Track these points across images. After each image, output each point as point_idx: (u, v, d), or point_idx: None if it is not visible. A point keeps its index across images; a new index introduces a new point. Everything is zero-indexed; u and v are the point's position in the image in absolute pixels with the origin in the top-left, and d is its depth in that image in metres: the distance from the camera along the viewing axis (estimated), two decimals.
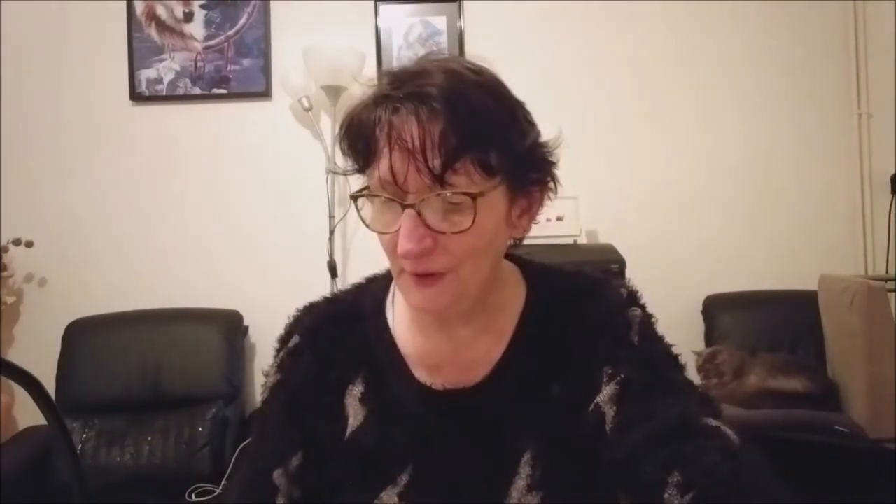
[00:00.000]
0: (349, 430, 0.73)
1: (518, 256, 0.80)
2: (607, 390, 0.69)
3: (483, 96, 0.65)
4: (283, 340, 0.79)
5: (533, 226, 0.75)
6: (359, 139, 0.66)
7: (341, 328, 0.78)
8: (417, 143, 0.61)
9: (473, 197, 0.63)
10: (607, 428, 0.67)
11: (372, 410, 0.73)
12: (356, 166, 0.68)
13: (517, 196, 0.69)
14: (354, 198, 0.68)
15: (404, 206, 0.63)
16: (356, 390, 0.74)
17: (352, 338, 0.77)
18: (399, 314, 0.77)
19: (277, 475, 0.73)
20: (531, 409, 0.72)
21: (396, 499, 0.70)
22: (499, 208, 0.67)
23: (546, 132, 0.73)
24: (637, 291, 0.78)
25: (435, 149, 0.61)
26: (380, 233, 0.67)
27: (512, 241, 0.74)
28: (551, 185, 0.73)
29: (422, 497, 0.70)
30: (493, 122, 0.65)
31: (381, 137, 0.63)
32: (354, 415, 0.74)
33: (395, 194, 0.64)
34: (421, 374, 0.74)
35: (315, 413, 0.74)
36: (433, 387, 0.73)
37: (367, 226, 0.67)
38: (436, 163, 0.61)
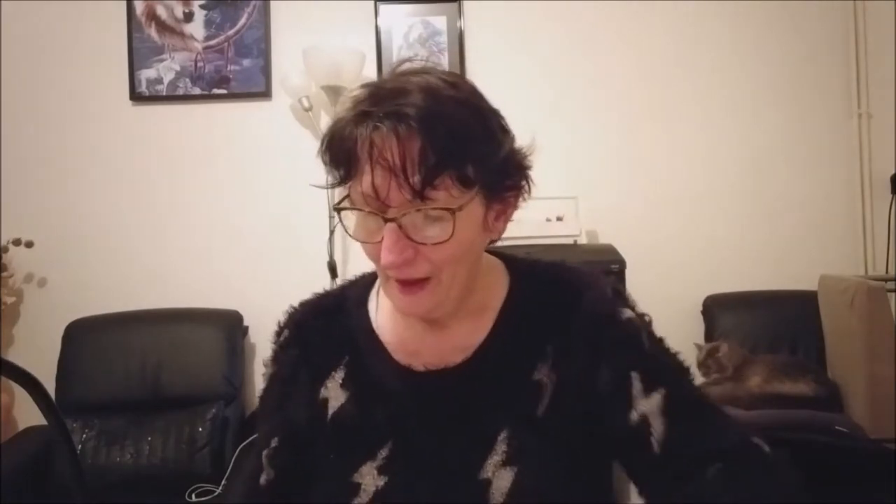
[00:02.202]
0: (331, 412, 0.78)
1: (500, 252, 0.84)
2: (653, 400, 0.71)
3: (459, 112, 0.68)
4: (277, 335, 0.85)
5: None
6: (341, 154, 0.69)
7: (326, 319, 0.83)
8: (398, 161, 0.64)
9: (452, 212, 0.66)
10: (653, 441, 0.69)
11: (353, 393, 0.78)
12: (338, 179, 0.71)
13: (493, 202, 0.72)
14: (338, 210, 0.72)
15: (386, 220, 0.67)
16: (338, 376, 0.80)
17: (336, 328, 0.82)
18: (382, 305, 0.82)
19: (264, 455, 0.80)
20: (511, 391, 0.76)
21: (375, 472, 0.74)
22: (476, 217, 0.71)
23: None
24: (621, 290, 0.81)
25: (414, 166, 0.64)
26: (363, 242, 0.71)
27: (489, 241, 0.77)
28: (525, 187, 0.76)
29: (400, 470, 0.74)
30: (470, 138, 0.68)
31: (362, 155, 0.66)
32: (335, 397, 0.79)
33: (377, 208, 0.67)
34: (401, 359, 0.78)
35: (298, 399, 0.80)
36: (413, 368, 0.77)
37: (351, 236, 0.71)
38: (415, 180, 0.64)
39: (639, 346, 0.75)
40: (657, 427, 0.70)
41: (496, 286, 0.81)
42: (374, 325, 0.81)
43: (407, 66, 0.72)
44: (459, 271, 0.72)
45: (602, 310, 0.76)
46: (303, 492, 0.77)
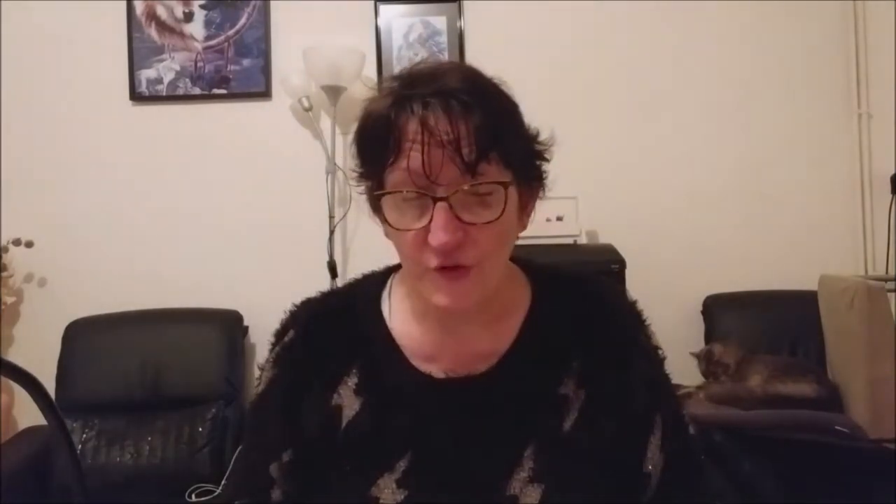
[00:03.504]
0: (345, 421, 0.74)
1: (517, 257, 0.81)
2: (660, 459, 0.74)
3: (499, 94, 0.69)
4: (279, 335, 0.80)
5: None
6: (384, 137, 0.66)
7: (336, 321, 0.79)
8: (452, 136, 0.63)
9: (505, 186, 0.66)
10: (647, 493, 0.74)
11: (367, 400, 0.74)
12: (372, 167, 0.69)
13: (523, 190, 0.72)
14: (379, 196, 0.68)
15: (436, 200, 0.64)
16: (351, 382, 0.75)
17: (346, 330, 0.78)
18: (396, 307, 0.78)
19: (273, 468, 0.75)
20: (536, 404, 0.73)
21: (394, 485, 0.70)
22: (515, 202, 0.70)
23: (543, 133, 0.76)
24: (641, 312, 0.82)
25: (469, 140, 0.64)
26: (404, 230, 0.67)
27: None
28: (545, 180, 0.76)
29: (420, 484, 0.70)
30: (511, 117, 0.69)
31: (409, 134, 0.64)
32: (350, 405, 0.74)
33: (426, 188, 0.65)
34: (419, 364, 0.75)
35: (309, 407, 0.75)
36: (434, 375, 0.74)
37: (391, 225, 0.68)
38: (469, 154, 0.64)
39: (665, 382, 0.78)
40: (652, 485, 0.74)
41: (517, 293, 0.79)
42: (389, 327, 0.77)
43: (430, 60, 0.71)
44: (499, 261, 0.71)
45: (632, 334, 0.78)
46: (313, 499, 0.73)
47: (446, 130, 0.63)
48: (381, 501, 0.69)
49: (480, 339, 0.75)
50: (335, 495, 0.72)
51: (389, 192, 0.67)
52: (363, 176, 0.72)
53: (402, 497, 0.69)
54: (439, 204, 0.64)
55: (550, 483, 0.69)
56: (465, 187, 0.64)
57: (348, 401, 0.74)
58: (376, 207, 0.72)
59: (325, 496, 0.72)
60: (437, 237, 0.64)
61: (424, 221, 0.65)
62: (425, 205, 0.65)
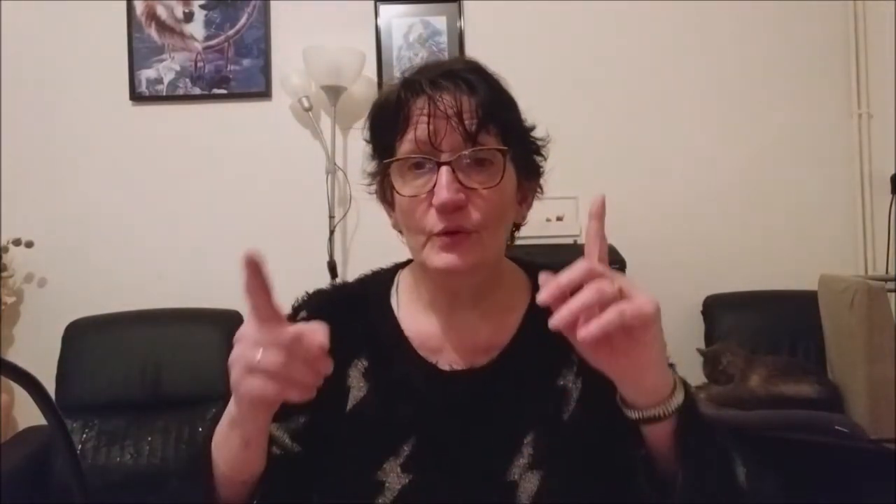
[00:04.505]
0: (352, 402, 0.77)
1: (517, 257, 0.85)
2: None
3: (496, 80, 0.77)
4: (291, 317, 0.82)
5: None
6: (395, 114, 0.73)
7: (347, 311, 0.83)
8: (456, 109, 0.71)
9: (503, 154, 0.72)
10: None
11: (375, 385, 0.78)
12: (383, 143, 0.76)
13: (521, 179, 0.78)
14: (388, 164, 0.75)
15: (440, 164, 0.71)
16: (360, 365, 0.79)
17: (357, 321, 0.82)
18: (403, 300, 0.83)
19: (274, 428, 0.76)
20: (536, 395, 0.76)
21: (399, 469, 0.74)
22: (514, 179, 0.76)
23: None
24: None
25: (471, 112, 0.71)
26: (410, 197, 0.73)
27: (512, 228, 0.81)
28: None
29: (423, 468, 0.74)
30: (508, 101, 0.77)
31: (417, 107, 0.72)
32: (358, 387, 0.78)
33: (431, 154, 0.72)
34: (425, 356, 0.78)
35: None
36: (439, 366, 0.77)
37: (398, 192, 0.74)
38: (471, 125, 0.71)
39: None
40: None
41: (518, 289, 0.82)
42: (397, 318, 0.81)
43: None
44: (498, 233, 0.75)
45: None
46: (319, 480, 0.76)
47: (451, 104, 0.71)
48: (387, 485, 0.73)
49: (482, 332, 0.79)
50: (340, 477, 0.75)
51: (398, 160, 0.73)
52: (375, 151, 0.78)
53: (407, 481, 0.73)
54: (443, 167, 0.71)
55: (548, 469, 0.72)
56: (467, 153, 0.71)
57: (356, 382, 0.78)
58: (385, 197, 0.78)
59: (332, 480, 0.75)
60: (440, 195, 0.70)
61: (429, 186, 0.71)
62: (431, 173, 0.72)
